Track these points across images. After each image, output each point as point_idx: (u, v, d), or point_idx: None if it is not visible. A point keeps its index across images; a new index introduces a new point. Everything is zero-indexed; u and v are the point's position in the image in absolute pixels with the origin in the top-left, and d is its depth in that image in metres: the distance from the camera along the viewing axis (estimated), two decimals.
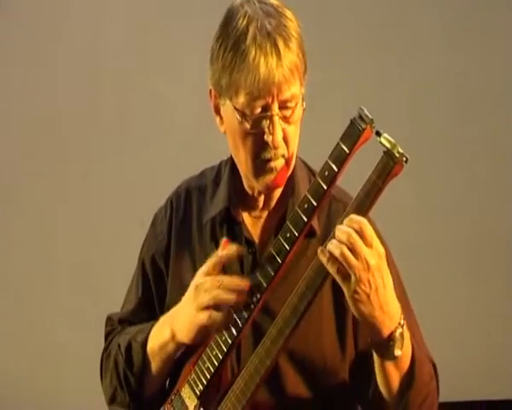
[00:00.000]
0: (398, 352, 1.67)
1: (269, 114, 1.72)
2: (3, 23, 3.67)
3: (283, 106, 1.73)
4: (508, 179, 3.48)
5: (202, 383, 1.82)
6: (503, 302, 3.51)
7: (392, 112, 3.33)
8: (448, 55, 3.48)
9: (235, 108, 1.74)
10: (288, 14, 1.76)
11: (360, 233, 1.58)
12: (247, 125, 1.74)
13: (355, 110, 1.62)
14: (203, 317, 1.72)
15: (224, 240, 1.78)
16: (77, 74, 3.66)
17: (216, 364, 1.79)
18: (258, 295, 1.73)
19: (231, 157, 1.89)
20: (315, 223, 1.82)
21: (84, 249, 3.66)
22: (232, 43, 1.72)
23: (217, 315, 1.71)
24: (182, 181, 2.03)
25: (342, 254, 1.58)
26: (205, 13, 3.44)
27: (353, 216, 1.60)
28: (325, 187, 1.65)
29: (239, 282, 1.71)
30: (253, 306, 1.73)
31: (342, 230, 1.59)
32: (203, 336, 1.77)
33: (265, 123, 1.73)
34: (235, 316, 1.74)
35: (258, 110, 1.73)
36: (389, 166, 1.58)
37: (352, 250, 1.57)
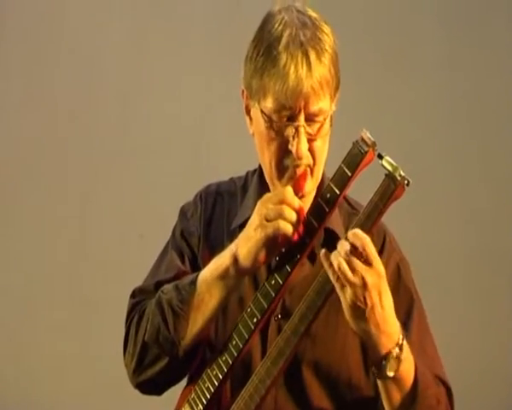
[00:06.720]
0: (390, 373, 1.67)
1: (295, 124, 1.72)
2: (2, 22, 3.67)
3: (310, 119, 1.72)
4: (505, 195, 3.49)
5: (202, 403, 1.82)
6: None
7: (394, 134, 3.33)
8: (449, 75, 3.48)
9: (263, 112, 1.74)
10: (325, 28, 1.76)
11: (362, 250, 1.59)
12: (273, 132, 1.74)
13: (357, 133, 1.63)
14: (270, 228, 1.68)
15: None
16: (77, 76, 3.66)
17: (216, 384, 1.79)
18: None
19: (259, 166, 1.89)
20: (338, 228, 1.82)
21: (81, 261, 3.65)
22: (265, 47, 1.73)
23: (284, 224, 1.68)
24: (207, 183, 2.00)
25: (339, 266, 1.59)
26: (207, 16, 3.45)
27: (358, 232, 1.60)
28: (327, 210, 1.67)
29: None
30: (255, 321, 1.73)
31: (343, 243, 1.60)
32: (263, 256, 1.71)
33: (290, 132, 1.73)
34: (240, 329, 1.75)
35: (285, 119, 1.73)
36: (391, 189, 1.59)
37: (350, 265, 1.59)
